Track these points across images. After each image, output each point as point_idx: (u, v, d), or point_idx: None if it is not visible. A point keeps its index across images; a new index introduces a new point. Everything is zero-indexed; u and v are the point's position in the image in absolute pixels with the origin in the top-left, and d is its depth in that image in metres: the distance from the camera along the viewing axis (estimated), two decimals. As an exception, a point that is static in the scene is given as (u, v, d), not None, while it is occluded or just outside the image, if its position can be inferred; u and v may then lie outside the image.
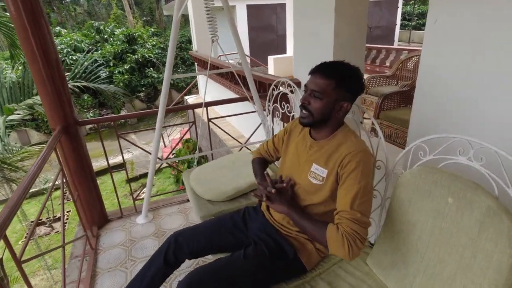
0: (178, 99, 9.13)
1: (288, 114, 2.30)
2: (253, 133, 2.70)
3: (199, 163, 5.98)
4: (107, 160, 2.36)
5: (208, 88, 6.81)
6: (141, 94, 12.47)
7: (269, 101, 2.20)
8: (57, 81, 1.88)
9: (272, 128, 2.57)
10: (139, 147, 2.53)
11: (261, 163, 1.44)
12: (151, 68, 12.19)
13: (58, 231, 5.69)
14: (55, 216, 5.97)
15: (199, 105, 2.29)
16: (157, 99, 12.86)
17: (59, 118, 1.94)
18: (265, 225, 1.26)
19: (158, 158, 2.35)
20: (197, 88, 7.81)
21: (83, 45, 11.59)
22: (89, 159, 2.21)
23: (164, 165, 7.35)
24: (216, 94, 5.47)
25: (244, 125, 4.41)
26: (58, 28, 12.79)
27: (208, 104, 2.43)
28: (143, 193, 7.06)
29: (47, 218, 5.91)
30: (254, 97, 2.32)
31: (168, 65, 1.98)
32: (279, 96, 2.10)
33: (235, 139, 2.79)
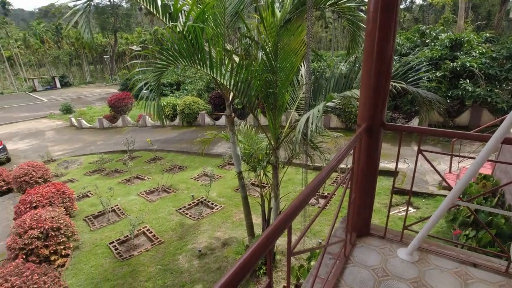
0: (492, 123, 7.12)
1: None
2: None
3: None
4: (396, 172, 2.10)
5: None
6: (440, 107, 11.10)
7: None
8: (382, 78, 1.77)
9: None
10: (441, 176, 2.04)
11: None
12: (466, 80, 10.37)
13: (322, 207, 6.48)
14: (323, 193, 6.82)
15: None
16: (459, 115, 10.96)
17: (369, 116, 1.86)
18: None
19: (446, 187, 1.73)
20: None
21: (402, 49, 11.78)
22: (378, 164, 2.04)
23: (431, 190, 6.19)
24: None
25: None
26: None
27: None
28: (403, 210, 6.42)
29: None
30: None
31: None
32: None
33: None
